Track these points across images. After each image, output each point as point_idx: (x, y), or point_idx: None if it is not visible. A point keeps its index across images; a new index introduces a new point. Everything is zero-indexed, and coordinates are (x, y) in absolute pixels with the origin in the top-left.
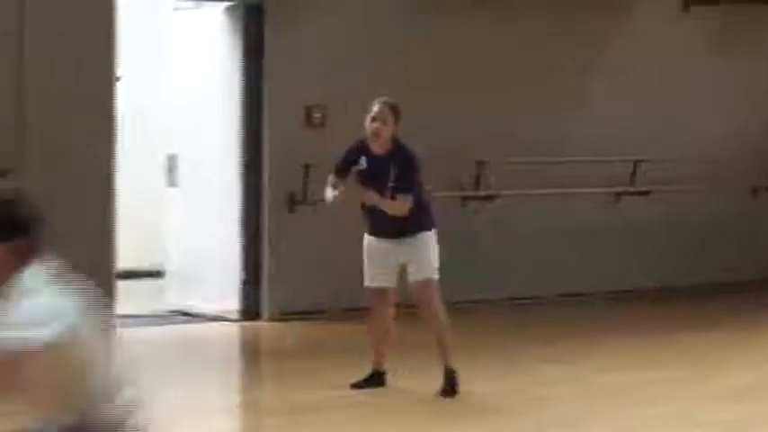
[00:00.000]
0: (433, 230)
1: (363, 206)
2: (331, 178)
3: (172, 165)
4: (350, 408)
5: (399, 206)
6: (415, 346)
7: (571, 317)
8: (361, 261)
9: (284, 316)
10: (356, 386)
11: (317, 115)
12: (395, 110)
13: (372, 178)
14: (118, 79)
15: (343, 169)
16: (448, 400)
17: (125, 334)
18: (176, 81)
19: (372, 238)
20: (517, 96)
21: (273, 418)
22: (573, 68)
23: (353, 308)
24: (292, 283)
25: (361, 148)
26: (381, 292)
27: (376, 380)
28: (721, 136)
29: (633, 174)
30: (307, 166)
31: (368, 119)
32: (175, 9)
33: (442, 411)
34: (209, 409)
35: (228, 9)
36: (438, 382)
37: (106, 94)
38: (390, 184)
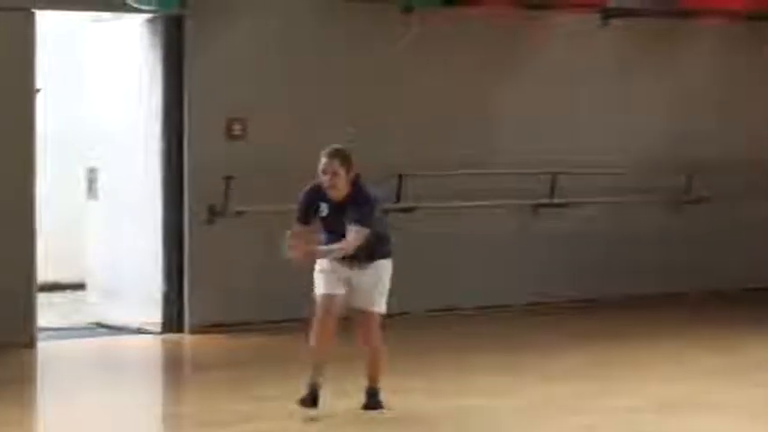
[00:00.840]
0: (388, 259)
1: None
2: (295, 227)
3: (92, 177)
4: (280, 419)
5: (352, 243)
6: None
7: (492, 329)
8: (283, 274)
9: (205, 328)
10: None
11: (237, 127)
12: (344, 158)
13: (335, 222)
14: (38, 91)
15: (305, 218)
16: (372, 412)
17: (46, 346)
18: (96, 93)
19: (326, 262)
20: (438, 111)
21: (201, 430)
22: (492, 82)
23: (274, 320)
24: (214, 295)
25: (318, 194)
26: (330, 299)
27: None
28: (639, 148)
29: (552, 186)
30: (227, 178)
31: (319, 169)
32: (95, 20)
33: (367, 423)
34: (135, 422)
35: (148, 21)
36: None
37: (25, 107)
38: (350, 226)
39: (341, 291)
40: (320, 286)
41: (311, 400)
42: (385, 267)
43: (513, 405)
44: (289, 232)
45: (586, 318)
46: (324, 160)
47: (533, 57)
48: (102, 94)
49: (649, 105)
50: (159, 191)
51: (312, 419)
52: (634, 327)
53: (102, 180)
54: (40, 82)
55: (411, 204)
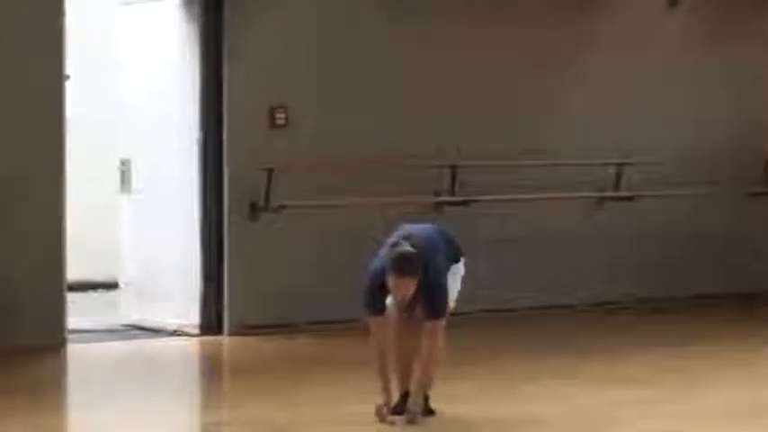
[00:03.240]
0: (461, 261)
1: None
2: (370, 320)
3: (125, 169)
4: (332, 425)
5: (432, 349)
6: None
7: (552, 331)
8: (327, 272)
9: (246, 330)
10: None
11: (280, 116)
12: (414, 271)
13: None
14: (67, 78)
15: (377, 306)
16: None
17: (77, 349)
18: (129, 80)
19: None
20: (490, 98)
21: None
22: (551, 69)
23: (319, 321)
24: (255, 296)
25: (384, 288)
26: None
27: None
28: (713, 136)
29: (618, 178)
30: (270, 170)
31: (388, 280)
32: (126, 3)
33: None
34: (171, 431)
35: (184, 2)
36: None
37: (55, 94)
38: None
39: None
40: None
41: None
42: (457, 270)
43: (574, 412)
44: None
45: (653, 319)
46: (392, 280)
47: (597, 40)
48: (135, 82)
49: (720, 91)
50: (197, 184)
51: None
52: (701, 329)
53: (137, 172)
54: (69, 68)
55: (466, 198)
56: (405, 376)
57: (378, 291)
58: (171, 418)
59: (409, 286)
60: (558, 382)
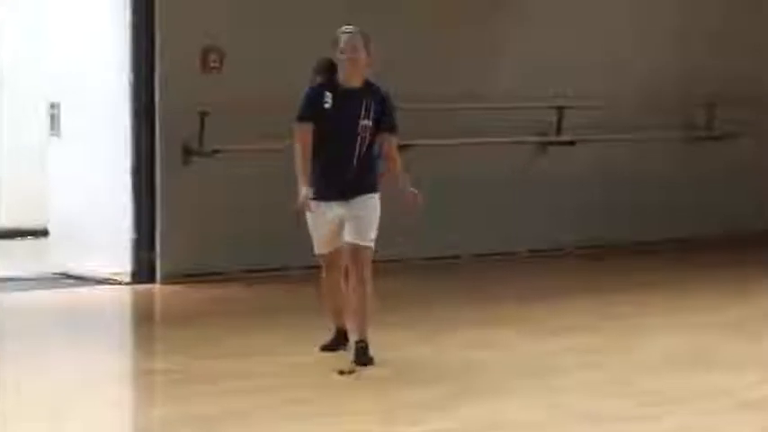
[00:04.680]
0: (378, 193)
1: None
2: (299, 126)
3: (55, 113)
4: (259, 376)
5: (396, 160)
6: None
7: (493, 278)
8: (263, 218)
9: (179, 278)
10: (326, 348)
11: (213, 58)
12: (367, 39)
13: (341, 116)
14: None
15: (312, 113)
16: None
17: (4, 299)
18: (57, 21)
19: (320, 202)
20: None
21: (176, 387)
22: (485, 10)
23: (254, 269)
24: (188, 242)
25: (323, 86)
26: (331, 256)
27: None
28: (652, 75)
29: (559, 122)
30: (203, 114)
31: (337, 51)
32: None
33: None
34: (104, 379)
35: None
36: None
37: None
38: (364, 123)
39: (338, 242)
40: (318, 245)
41: (338, 342)
42: (377, 201)
43: (513, 358)
44: (305, 190)
45: (593, 266)
46: (343, 37)
47: None
48: (63, 23)
49: (664, 33)
50: (128, 128)
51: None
52: (642, 275)
53: (66, 116)
54: None
55: (404, 142)
56: (338, 313)
57: (315, 96)
58: (102, 366)
59: (359, 47)
60: (498, 330)
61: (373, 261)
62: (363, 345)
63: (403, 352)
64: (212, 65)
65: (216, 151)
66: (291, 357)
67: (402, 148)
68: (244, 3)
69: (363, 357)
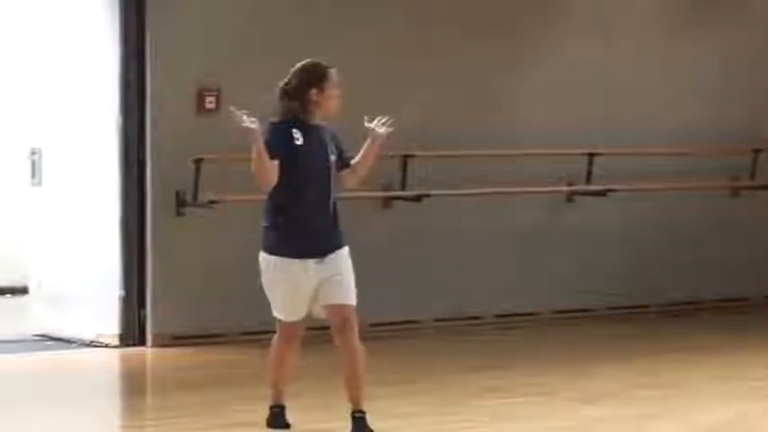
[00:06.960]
0: (346, 246)
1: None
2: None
3: (36, 159)
4: None
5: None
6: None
7: (516, 341)
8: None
9: (170, 341)
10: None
11: (210, 99)
12: None
13: (313, 154)
14: None
15: (285, 149)
16: None
17: None
18: (41, 61)
19: (292, 259)
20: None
21: None
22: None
23: (251, 331)
24: (181, 302)
25: (289, 125)
26: (296, 325)
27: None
28: (695, 124)
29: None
30: (197, 161)
31: (333, 88)
32: None
33: None
34: None
35: None
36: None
37: None
38: (333, 158)
39: (305, 311)
40: (280, 308)
41: (277, 421)
42: (347, 255)
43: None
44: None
45: (627, 328)
46: (333, 72)
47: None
48: (47, 62)
49: (702, 68)
50: (117, 176)
51: None
52: (681, 339)
53: (48, 163)
54: None
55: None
56: (281, 386)
57: (283, 130)
58: None
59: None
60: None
61: (377, 324)
62: (361, 415)
63: (414, 423)
64: (208, 107)
65: (212, 202)
66: (295, 427)
67: (417, 198)
68: (242, 39)
69: (363, 427)
